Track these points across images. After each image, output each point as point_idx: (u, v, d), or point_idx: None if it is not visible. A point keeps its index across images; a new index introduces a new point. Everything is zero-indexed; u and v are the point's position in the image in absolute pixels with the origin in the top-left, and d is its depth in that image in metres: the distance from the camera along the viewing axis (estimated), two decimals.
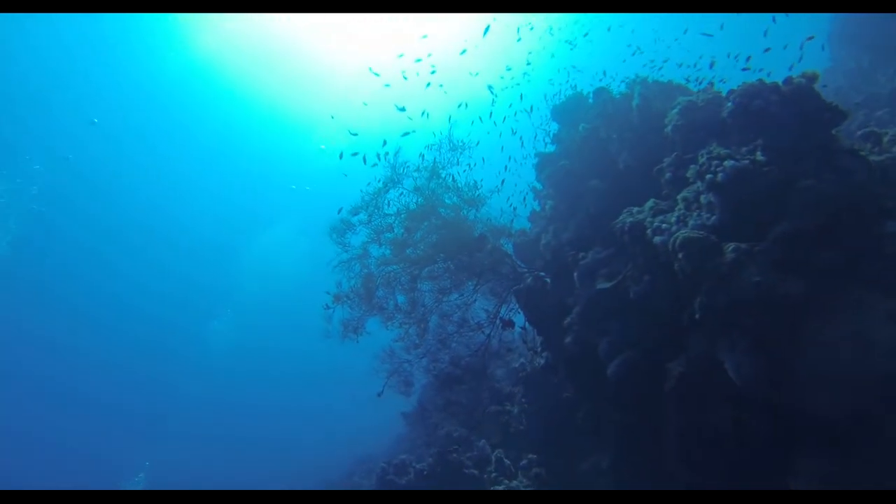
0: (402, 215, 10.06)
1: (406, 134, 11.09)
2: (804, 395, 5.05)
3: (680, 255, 5.81)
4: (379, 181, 9.84)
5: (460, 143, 10.06)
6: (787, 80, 5.74)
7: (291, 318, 56.02)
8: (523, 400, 14.09)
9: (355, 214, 9.91)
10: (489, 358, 10.50)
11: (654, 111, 9.01)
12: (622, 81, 11.14)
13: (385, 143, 10.03)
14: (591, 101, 11.61)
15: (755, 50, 10.47)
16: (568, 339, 9.25)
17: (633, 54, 13.22)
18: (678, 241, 5.86)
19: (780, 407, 5.48)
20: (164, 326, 56.02)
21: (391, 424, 26.96)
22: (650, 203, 7.25)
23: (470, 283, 10.63)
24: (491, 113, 12.89)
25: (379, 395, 9.94)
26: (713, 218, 5.95)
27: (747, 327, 5.42)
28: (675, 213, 6.56)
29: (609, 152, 9.93)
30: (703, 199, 6.21)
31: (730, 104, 6.21)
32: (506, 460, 13.92)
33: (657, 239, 6.55)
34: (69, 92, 34.78)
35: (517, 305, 11.09)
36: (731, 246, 5.51)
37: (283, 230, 49.81)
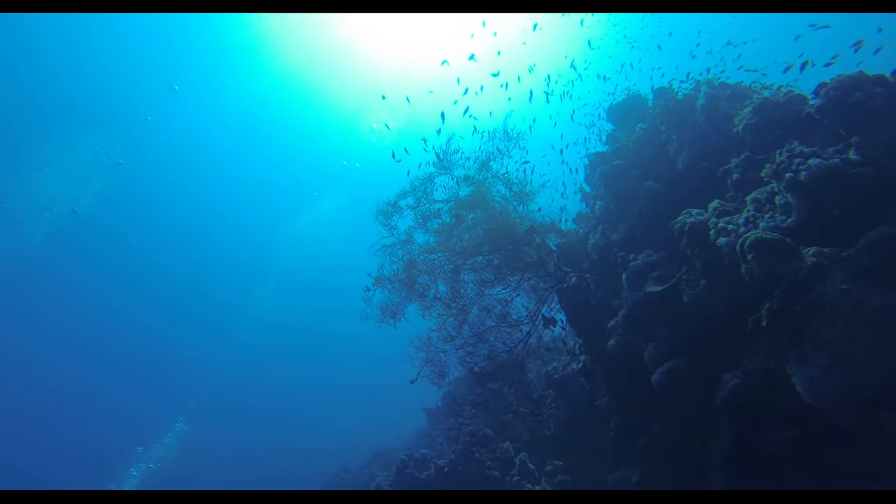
0: (451, 203, 9.81)
1: (467, 113, 10.79)
2: (892, 424, 4.53)
3: (749, 257, 5.35)
4: (430, 165, 9.62)
5: (515, 134, 9.73)
6: None
7: (330, 296, 57.00)
8: (553, 404, 13.65)
9: (403, 198, 9.72)
10: (527, 356, 10.11)
11: (721, 112, 8.51)
12: (681, 82, 10.67)
13: (441, 126, 9.79)
14: (649, 102, 11.16)
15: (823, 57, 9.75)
16: (611, 342, 8.82)
17: (694, 56, 12.61)
18: (748, 242, 5.40)
19: (855, 433, 4.96)
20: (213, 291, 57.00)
21: (413, 418, 26.82)
22: (714, 204, 6.78)
23: (513, 278, 10.29)
24: (549, 99, 12.46)
25: (412, 382, 9.71)
26: (789, 220, 5.48)
27: (826, 340, 4.93)
28: (744, 215, 6.09)
29: (667, 153, 9.46)
30: (778, 199, 5.73)
31: (819, 99, 5.71)
32: (530, 464, 13.49)
33: (722, 240, 6.10)
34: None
35: (559, 305, 10.71)
36: (812, 250, 5.03)
37: (331, 206, 50.06)
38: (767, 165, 5.91)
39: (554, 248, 10.72)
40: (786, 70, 8.72)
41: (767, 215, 5.79)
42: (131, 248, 48.56)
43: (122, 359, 54.84)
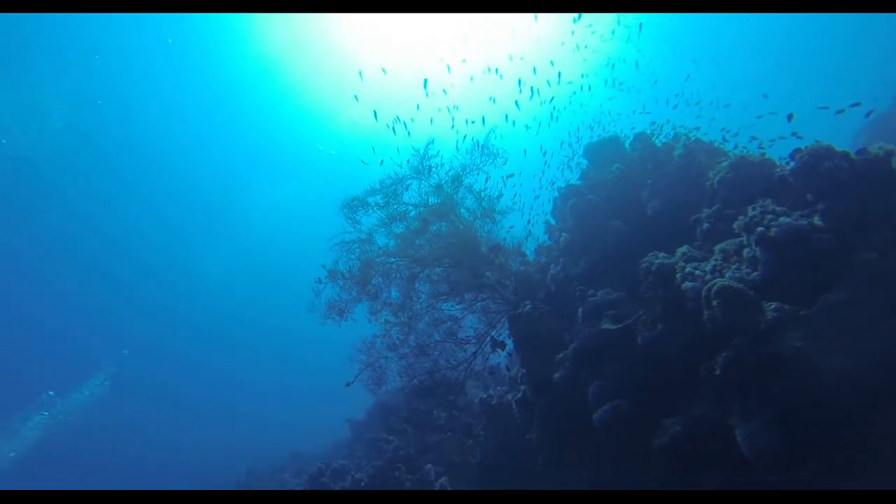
0: (420, 208, 9.50)
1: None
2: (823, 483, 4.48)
3: (715, 303, 5.30)
4: (405, 165, 9.30)
5: (495, 150, 9.60)
6: (862, 151, 5.40)
7: (275, 286, 54.63)
8: (483, 431, 13.30)
9: (372, 195, 9.33)
10: (468, 377, 9.79)
11: (697, 165, 8.69)
12: (659, 126, 10.95)
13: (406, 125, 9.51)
14: (626, 144, 11.38)
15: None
16: (557, 375, 8.64)
17: (675, 107, 13.04)
18: (715, 289, 5.37)
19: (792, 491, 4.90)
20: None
21: (335, 428, 25.70)
22: (683, 249, 6.80)
23: (468, 296, 10.02)
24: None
25: (348, 384, 9.16)
26: (755, 273, 5.50)
27: (773, 395, 4.89)
28: (711, 263, 6.11)
29: (639, 197, 9.57)
30: (746, 252, 5.77)
31: (793, 163, 5.84)
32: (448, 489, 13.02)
33: (688, 284, 6.07)
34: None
35: (508, 331, 10.50)
36: (773, 305, 5.03)
37: (294, 191, 48.11)
38: (740, 218, 5.97)
39: (514, 272, 10.57)
40: (751, 139, 9.09)
41: (734, 266, 5.81)
42: (70, 199, 44.19)
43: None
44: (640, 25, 17.05)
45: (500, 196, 10.04)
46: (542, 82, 13.57)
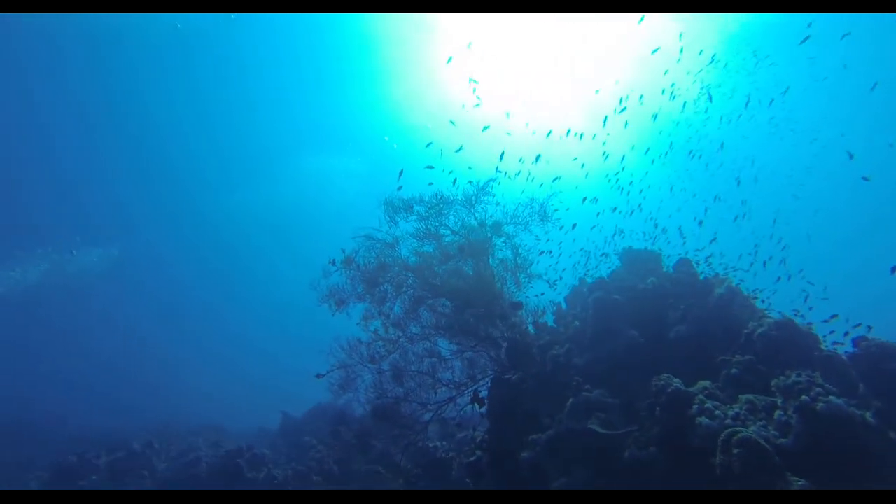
0: (458, 237, 9.19)
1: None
2: None
3: (735, 451, 4.88)
4: (459, 190, 9.07)
5: (551, 212, 9.39)
6: None
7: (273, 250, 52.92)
8: (416, 480, 12.46)
9: (419, 203, 9.04)
10: (435, 420, 9.18)
11: (734, 311, 8.46)
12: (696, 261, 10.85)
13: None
14: (663, 263, 11.23)
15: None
16: (525, 454, 8.07)
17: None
18: (739, 437, 4.95)
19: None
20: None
21: (266, 414, 24.44)
22: (705, 384, 6.43)
23: (465, 341, 9.55)
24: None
25: (319, 376, 8.56)
26: (784, 440, 5.10)
27: None
28: (735, 409, 5.71)
29: (664, 317, 9.29)
30: (778, 414, 5.39)
31: (856, 349, 5.56)
32: None
33: (704, 420, 5.65)
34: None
35: (486, 392, 9.96)
36: (801, 481, 4.60)
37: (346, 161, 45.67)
38: (780, 378, 5.64)
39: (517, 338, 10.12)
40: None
41: (760, 423, 5.41)
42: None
43: None
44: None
45: (534, 263, 9.73)
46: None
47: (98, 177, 42.88)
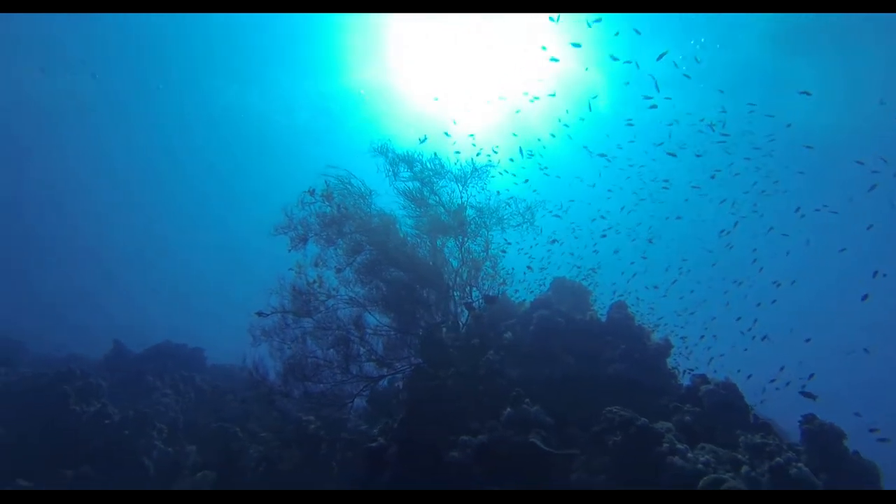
0: (440, 209, 8.32)
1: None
2: None
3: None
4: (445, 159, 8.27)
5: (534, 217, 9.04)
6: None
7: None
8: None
9: (418, 163, 8.01)
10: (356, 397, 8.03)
11: (665, 358, 8.91)
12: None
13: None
14: (592, 300, 11.63)
15: None
16: (454, 454, 7.39)
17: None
18: (725, 486, 4.93)
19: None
20: None
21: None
22: (667, 424, 6.47)
23: (401, 317, 8.63)
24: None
25: (260, 314, 7.01)
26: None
27: None
28: (705, 456, 5.76)
29: (599, 355, 9.40)
30: (745, 470, 5.52)
31: (802, 427, 5.98)
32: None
33: (676, 460, 5.60)
34: None
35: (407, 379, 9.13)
36: None
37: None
38: (748, 436, 5.87)
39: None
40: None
41: (729, 474, 5.49)
42: None
43: None
44: None
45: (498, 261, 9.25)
46: None
47: None
